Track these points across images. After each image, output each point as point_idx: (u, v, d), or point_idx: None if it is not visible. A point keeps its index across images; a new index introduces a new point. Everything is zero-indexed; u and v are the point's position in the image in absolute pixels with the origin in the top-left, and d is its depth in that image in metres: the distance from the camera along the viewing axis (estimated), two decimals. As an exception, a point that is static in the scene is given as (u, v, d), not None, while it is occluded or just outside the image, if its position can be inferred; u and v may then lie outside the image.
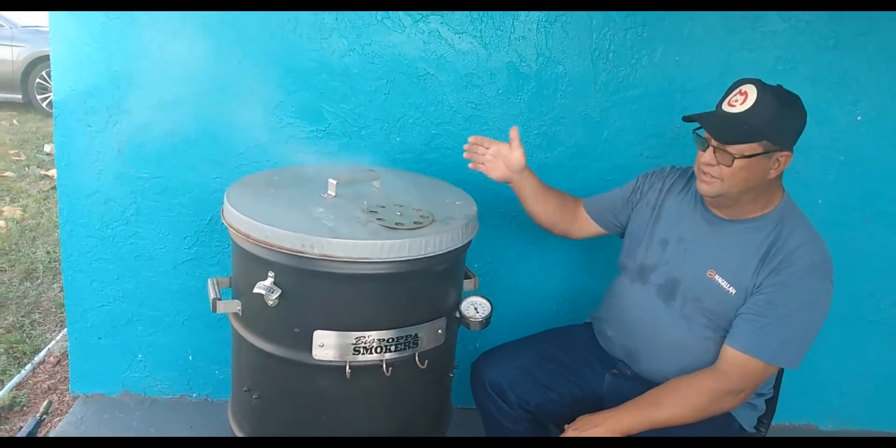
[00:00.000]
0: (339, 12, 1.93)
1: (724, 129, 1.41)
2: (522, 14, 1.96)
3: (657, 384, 1.55)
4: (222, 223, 1.52)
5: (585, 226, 1.81)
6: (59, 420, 2.20)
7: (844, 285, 2.20)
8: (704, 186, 1.49)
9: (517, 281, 2.24)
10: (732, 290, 1.50)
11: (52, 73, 1.97)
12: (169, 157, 2.04)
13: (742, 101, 1.40)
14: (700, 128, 1.46)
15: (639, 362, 1.65)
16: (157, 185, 2.07)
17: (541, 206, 1.77)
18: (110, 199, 2.08)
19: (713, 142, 1.43)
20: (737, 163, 1.41)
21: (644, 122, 2.06)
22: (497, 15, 1.96)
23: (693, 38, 2.00)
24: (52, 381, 2.45)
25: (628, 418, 1.46)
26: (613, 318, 1.71)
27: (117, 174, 2.05)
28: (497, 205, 2.14)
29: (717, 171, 1.45)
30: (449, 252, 1.47)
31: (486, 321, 1.58)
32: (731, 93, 1.44)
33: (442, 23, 1.96)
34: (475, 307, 1.58)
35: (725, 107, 1.43)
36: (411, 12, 1.94)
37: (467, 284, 1.68)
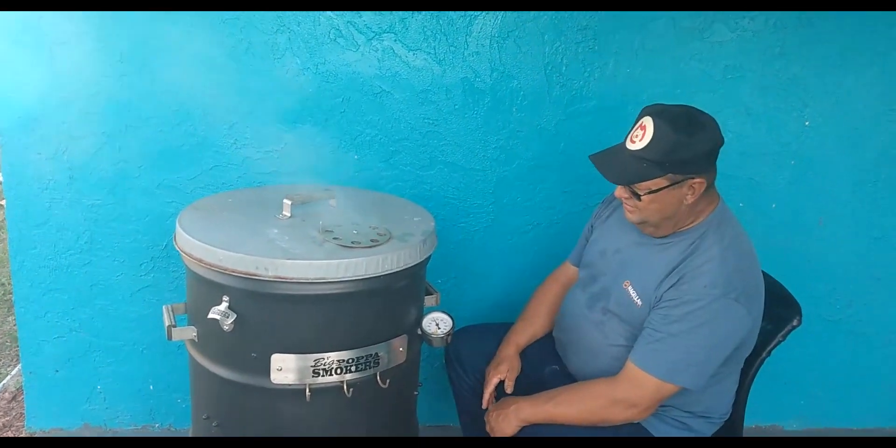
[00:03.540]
0: (292, 32, 1.92)
1: (623, 171, 1.42)
2: (475, 30, 1.98)
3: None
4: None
5: None
6: (15, 458, 2.12)
7: (801, 287, 2.23)
8: (627, 215, 1.53)
9: (482, 295, 2.23)
10: (639, 302, 1.51)
11: (-3, 101, 1.92)
12: (122, 183, 2.00)
13: (641, 136, 1.39)
14: None
15: (567, 361, 1.71)
16: (112, 212, 2.02)
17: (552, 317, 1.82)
18: (63, 227, 2.02)
19: None
20: (644, 198, 1.43)
21: (600, 134, 2.08)
22: (450, 31, 1.97)
23: (644, 49, 2.03)
24: (7, 419, 2.35)
25: (529, 408, 1.53)
26: (558, 320, 1.78)
27: (70, 202, 2.00)
28: (459, 220, 2.14)
29: (632, 204, 1.47)
30: (407, 269, 1.46)
31: (448, 337, 1.56)
32: (634, 126, 1.44)
33: (396, 40, 1.97)
34: (437, 323, 1.57)
35: (628, 143, 1.43)
36: (364, 31, 1.95)
37: (429, 300, 1.67)
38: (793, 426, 2.49)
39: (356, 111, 2.01)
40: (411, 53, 1.99)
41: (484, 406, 1.67)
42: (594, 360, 1.61)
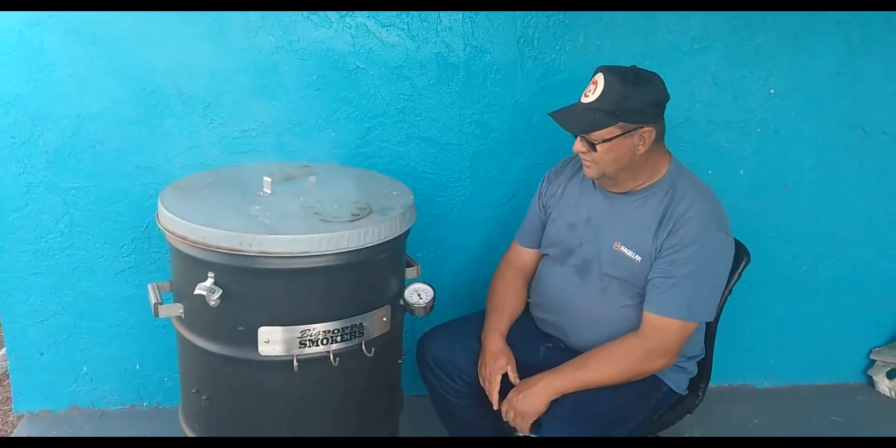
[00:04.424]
0: (266, 11, 1.92)
1: (577, 122, 1.54)
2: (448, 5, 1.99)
3: None
4: (159, 228, 1.51)
5: (536, 258, 1.85)
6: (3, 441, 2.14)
7: (769, 250, 2.34)
8: (586, 170, 1.62)
9: (462, 266, 2.29)
10: (638, 258, 1.60)
11: (-33, 85, 1.90)
12: (100, 166, 2.00)
13: (593, 90, 1.52)
14: None
15: (568, 337, 1.74)
16: (91, 194, 2.02)
17: (522, 303, 1.85)
18: (42, 211, 2.02)
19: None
20: (599, 148, 1.54)
21: (572, 106, 2.11)
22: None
23: (613, 22, 2.06)
24: (-6, 402, 2.38)
25: (559, 380, 1.56)
26: (540, 301, 1.81)
27: (48, 185, 2.00)
28: (437, 194, 2.18)
29: (590, 157, 1.57)
30: (388, 241, 1.50)
31: (430, 307, 1.61)
32: (589, 83, 1.56)
33: (369, 17, 1.97)
34: (418, 293, 1.61)
35: (582, 98, 1.56)
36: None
37: (410, 272, 1.71)
38: (764, 384, 2.60)
39: (331, 88, 2.03)
40: (384, 30, 2.00)
41: (496, 406, 1.64)
42: (601, 327, 1.65)
